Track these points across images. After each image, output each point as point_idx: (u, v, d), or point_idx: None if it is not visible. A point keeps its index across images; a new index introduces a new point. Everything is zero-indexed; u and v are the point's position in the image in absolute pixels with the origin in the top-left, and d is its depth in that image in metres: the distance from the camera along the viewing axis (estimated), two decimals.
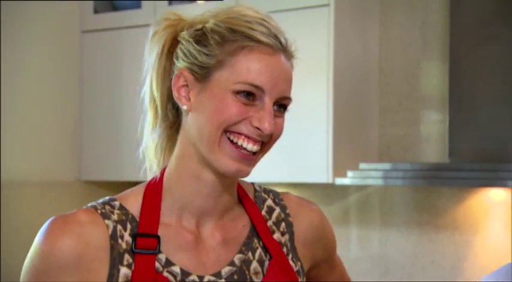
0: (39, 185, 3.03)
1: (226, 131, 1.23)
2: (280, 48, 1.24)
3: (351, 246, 3.04)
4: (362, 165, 2.58)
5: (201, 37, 1.24)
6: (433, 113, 2.88)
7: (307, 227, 1.45)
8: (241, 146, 1.23)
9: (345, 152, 2.74)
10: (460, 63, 2.56)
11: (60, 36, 3.19)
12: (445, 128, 2.70)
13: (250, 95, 1.22)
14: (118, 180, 3.01)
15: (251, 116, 1.23)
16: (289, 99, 1.28)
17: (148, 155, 1.35)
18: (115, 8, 3.27)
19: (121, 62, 3.08)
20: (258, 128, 1.22)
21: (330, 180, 2.66)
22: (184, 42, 1.25)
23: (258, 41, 1.22)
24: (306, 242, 1.44)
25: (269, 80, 1.22)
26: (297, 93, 2.19)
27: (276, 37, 1.23)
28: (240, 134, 1.23)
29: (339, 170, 2.66)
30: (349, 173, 2.58)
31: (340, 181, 2.62)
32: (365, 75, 2.90)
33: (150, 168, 1.35)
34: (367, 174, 2.57)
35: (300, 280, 1.40)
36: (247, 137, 1.23)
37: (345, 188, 2.99)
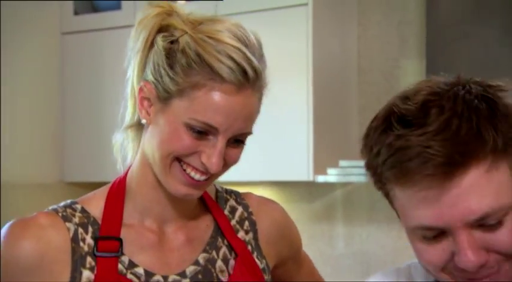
0: (21, 187, 3.02)
1: (176, 158, 1.23)
2: (246, 84, 1.22)
3: (334, 243, 3.05)
4: (342, 163, 2.60)
5: (171, 54, 1.22)
6: None
7: (270, 225, 1.46)
8: (189, 174, 1.23)
9: (325, 150, 2.75)
10: (437, 60, 2.59)
11: (41, 38, 3.19)
12: None
13: (203, 132, 1.21)
14: (101, 181, 3.02)
15: (202, 151, 1.22)
16: (247, 133, 1.28)
17: (115, 151, 1.35)
18: (95, 9, 3.25)
19: (102, 63, 3.08)
20: (205, 166, 1.22)
21: (311, 178, 2.67)
22: (157, 48, 1.24)
23: (222, 79, 1.20)
24: (269, 239, 1.44)
25: (225, 120, 1.21)
26: (276, 92, 2.23)
27: (244, 73, 1.21)
28: (189, 164, 1.23)
29: (319, 167, 2.68)
30: (330, 171, 2.60)
31: (320, 178, 2.64)
32: (344, 73, 2.93)
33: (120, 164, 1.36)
34: (348, 172, 2.60)
35: (265, 277, 1.41)
36: (195, 168, 1.23)
37: (325, 186, 2.99)
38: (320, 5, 2.75)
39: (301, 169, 2.70)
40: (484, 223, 1.04)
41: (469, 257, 1.05)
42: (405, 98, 1.08)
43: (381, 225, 2.92)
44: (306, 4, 2.69)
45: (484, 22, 2.51)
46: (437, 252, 1.09)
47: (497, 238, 1.06)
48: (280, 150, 2.76)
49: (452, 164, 1.01)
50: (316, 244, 3.05)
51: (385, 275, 1.33)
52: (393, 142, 1.04)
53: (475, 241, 1.05)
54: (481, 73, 2.42)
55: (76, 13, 3.21)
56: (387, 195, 1.12)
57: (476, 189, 1.04)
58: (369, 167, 1.10)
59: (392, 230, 2.86)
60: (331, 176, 2.62)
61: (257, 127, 2.66)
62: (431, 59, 2.61)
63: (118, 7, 3.10)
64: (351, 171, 2.59)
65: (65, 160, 3.23)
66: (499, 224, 1.05)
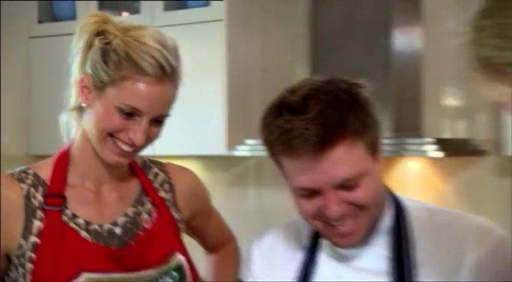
0: None
1: (109, 134, 1.26)
2: (163, 77, 1.25)
3: (244, 203, 3.12)
4: (248, 141, 2.63)
5: (105, 53, 1.24)
6: None
7: (185, 187, 1.49)
8: (120, 146, 1.27)
9: (235, 131, 2.78)
10: (319, 65, 2.60)
11: (7, 42, 3.09)
12: None
13: (130, 114, 1.24)
14: None
15: (129, 129, 1.25)
16: (166, 115, 1.30)
17: (61, 129, 1.36)
18: (55, 19, 3.19)
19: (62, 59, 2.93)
20: (132, 140, 1.25)
21: (225, 152, 2.74)
22: (95, 48, 1.25)
23: (145, 73, 1.22)
24: (185, 198, 1.47)
25: (147, 105, 1.24)
26: (199, 88, 2.41)
27: (162, 68, 1.24)
28: (119, 139, 1.26)
29: (231, 144, 2.73)
30: (239, 147, 2.65)
31: (231, 153, 2.69)
32: (250, 73, 2.96)
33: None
34: (253, 148, 2.61)
35: (180, 226, 1.44)
36: (124, 142, 1.27)
37: (236, 158, 3.00)
38: (232, 21, 2.79)
39: (217, 145, 2.76)
40: (345, 184, 1.09)
41: (334, 209, 1.10)
42: (292, 91, 1.11)
43: (280, 188, 2.92)
44: (221, 20, 2.75)
45: (352, 36, 2.51)
46: (311, 205, 1.13)
47: (354, 195, 1.11)
48: (201, 131, 2.80)
49: (324, 143, 1.06)
50: (231, 204, 3.06)
51: (277, 230, 1.36)
52: (282, 125, 1.08)
53: (338, 197, 1.10)
54: (350, 74, 2.42)
55: (40, 22, 3.16)
56: (278, 164, 1.16)
57: (341, 161, 1.08)
58: (265, 143, 1.15)
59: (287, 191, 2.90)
60: (240, 151, 2.65)
61: (184, 113, 2.79)
62: (315, 64, 2.61)
63: (74, 17, 3.04)
64: (255, 147, 2.58)
65: (30, 135, 3.19)
66: (356, 185, 1.10)
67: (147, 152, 1.36)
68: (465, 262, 1.14)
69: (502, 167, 2.48)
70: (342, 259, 1.22)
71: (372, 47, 2.47)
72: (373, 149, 1.13)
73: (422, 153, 2.31)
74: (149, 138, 1.28)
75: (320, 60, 2.59)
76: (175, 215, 1.43)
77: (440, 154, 2.26)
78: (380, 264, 1.17)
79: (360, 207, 1.12)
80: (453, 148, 2.42)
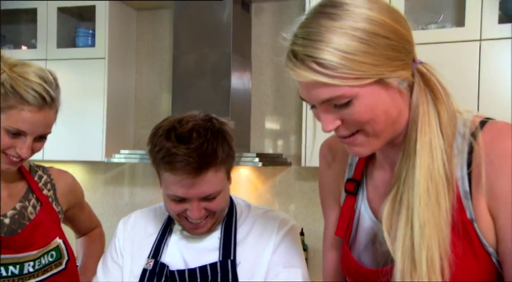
0: None
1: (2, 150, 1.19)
2: (45, 105, 1.18)
3: (118, 198, 3.02)
4: (122, 151, 2.63)
5: None
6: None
7: (64, 186, 1.44)
8: (10, 157, 1.20)
9: (112, 142, 2.76)
10: (179, 97, 2.58)
11: None
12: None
13: (16, 133, 1.18)
14: None
15: (15, 146, 1.20)
16: (47, 133, 1.23)
17: None
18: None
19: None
20: (18, 154, 1.20)
21: (104, 159, 2.69)
22: None
23: (28, 103, 1.16)
24: (63, 194, 1.43)
25: (30, 127, 1.18)
26: (84, 108, 2.34)
27: (43, 98, 1.17)
28: (8, 153, 1.20)
29: (108, 152, 2.73)
30: (115, 155, 2.61)
31: (109, 160, 2.64)
32: (126, 99, 2.95)
33: None
34: (126, 156, 2.59)
35: (60, 216, 1.39)
36: (13, 155, 1.20)
37: (112, 164, 3.02)
38: (112, 59, 2.79)
39: (97, 153, 2.72)
40: (207, 198, 1.13)
41: (196, 214, 1.13)
42: (180, 123, 1.12)
43: (147, 188, 2.96)
44: (104, 58, 2.74)
45: (203, 78, 2.56)
46: (179, 207, 1.15)
47: (211, 205, 1.15)
48: (85, 141, 2.73)
49: (201, 168, 1.08)
50: (108, 199, 3.03)
51: (141, 212, 1.36)
52: (170, 148, 1.08)
53: (200, 206, 1.13)
54: (202, 106, 2.27)
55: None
56: (158, 174, 1.15)
57: (209, 182, 1.11)
58: (152, 156, 1.13)
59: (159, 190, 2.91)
60: (116, 158, 2.60)
61: (72, 127, 2.64)
62: (175, 96, 2.62)
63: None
64: (129, 156, 2.58)
65: None
66: (214, 198, 1.15)
67: (38, 156, 1.31)
68: (271, 241, 1.21)
69: (300, 174, 2.71)
70: (188, 241, 1.25)
71: (217, 87, 2.54)
72: (229, 171, 1.17)
73: (250, 164, 2.36)
74: (33, 151, 1.22)
75: (179, 94, 2.62)
76: (56, 208, 1.38)
77: (260, 164, 2.34)
78: (214, 243, 1.22)
79: (213, 212, 1.17)
80: (269, 160, 2.53)
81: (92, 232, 1.65)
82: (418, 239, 0.78)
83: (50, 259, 1.32)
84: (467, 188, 0.80)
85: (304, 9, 2.37)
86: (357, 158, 0.97)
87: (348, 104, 0.78)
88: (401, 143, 0.85)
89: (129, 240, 1.31)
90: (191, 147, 1.08)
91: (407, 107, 0.84)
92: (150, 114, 3.02)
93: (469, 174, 0.80)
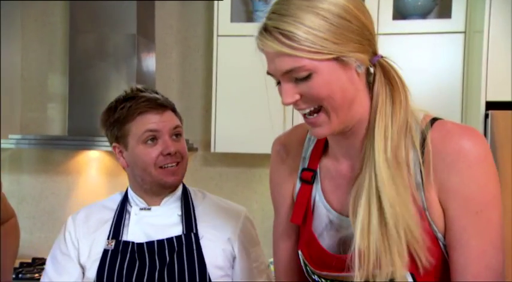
0: None
1: None
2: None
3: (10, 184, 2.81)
4: (11, 136, 2.52)
5: None
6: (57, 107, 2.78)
7: None
8: None
9: (1, 127, 2.50)
10: (76, 78, 2.55)
11: None
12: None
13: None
14: None
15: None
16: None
17: None
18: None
19: None
20: None
21: None
22: None
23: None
24: None
25: None
26: None
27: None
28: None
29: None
30: (3, 140, 2.50)
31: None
32: (11, 81, 2.75)
33: None
34: (17, 141, 2.50)
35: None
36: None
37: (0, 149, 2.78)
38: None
39: None
40: (176, 132, 1.33)
41: (169, 146, 1.31)
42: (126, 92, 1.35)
43: (33, 173, 2.84)
44: None
45: (104, 59, 2.52)
46: (155, 151, 1.31)
47: (180, 144, 1.34)
48: None
49: (163, 106, 1.32)
50: None
51: (88, 207, 1.41)
52: (135, 98, 1.32)
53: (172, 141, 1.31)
54: (101, 87, 2.39)
55: None
56: (123, 136, 1.32)
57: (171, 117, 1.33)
58: (115, 120, 1.31)
59: (40, 177, 2.81)
60: (4, 143, 2.49)
61: None
62: (72, 77, 2.55)
63: None
64: (19, 141, 2.49)
65: None
66: (180, 135, 1.35)
67: None
68: (233, 224, 1.37)
69: (207, 159, 2.73)
70: (148, 219, 1.34)
71: (120, 69, 2.51)
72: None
73: None
74: None
75: (76, 75, 2.55)
76: None
77: None
78: (174, 220, 1.35)
79: (181, 157, 1.34)
80: None
81: (6, 223, 1.63)
82: (379, 215, 0.85)
83: None
84: (420, 180, 0.88)
85: None
86: (310, 152, 1.04)
87: (307, 78, 0.85)
88: (356, 134, 0.93)
89: (82, 231, 1.35)
90: (150, 94, 1.33)
91: (367, 94, 0.91)
92: (39, 95, 2.85)
93: (420, 169, 0.88)
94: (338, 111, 0.87)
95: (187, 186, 1.44)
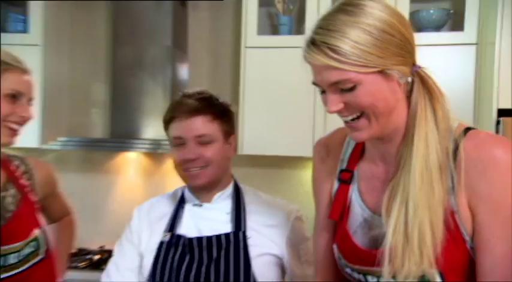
0: None
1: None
2: None
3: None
4: (59, 138, 2.58)
5: None
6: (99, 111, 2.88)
7: (43, 175, 1.47)
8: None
9: (48, 130, 2.68)
10: (118, 85, 2.63)
11: None
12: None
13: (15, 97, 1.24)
14: None
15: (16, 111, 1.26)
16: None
17: None
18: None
19: None
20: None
21: (39, 146, 2.60)
22: None
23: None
24: (41, 183, 1.45)
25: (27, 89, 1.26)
26: None
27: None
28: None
29: (44, 140, 2.63)
30: (51, 142, 2.57)
31: (45, 146, 2.58)
32: (60, 88, 2.82)
33: None
34: (64, 143, 2.55)
35: (37, 206, 1.41)
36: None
37: (48, 151, 2.86)
38: (48, 46, 2.67)
39: (33, 140, 2.58)
40: (201, 141, 1.30)
41: (190, 153, 1.29)
42: (184, 96, 1.35)
43: (79, 172, 2.94)
44: (38, 45, 2.59)
45: (143, 69, 2.54)
46: (180, 154, 1.31)
47: (206, 151, 1.30)
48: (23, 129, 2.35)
49: (195, 111, 1.29)
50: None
51: (156, 198, 1.45)
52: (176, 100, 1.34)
53: (196, 148, 1.29)
54: (142, 94, 2.42)
55: None
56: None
57: (202, 125, 1.30)
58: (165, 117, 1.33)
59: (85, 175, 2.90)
60: (53, 145, 2.56)
61: None
62: (114, 84, 2.64)
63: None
64: (67, 143, 2.54)
65: None
66: (209, 143, 1.31)
67: None
68: (283, 226, 1.34)
69: (233, 160, 2.78)
70: (200, 212, 1.36)
71: (157, 78, 2.57)
72: (226, 130, 1.36)
73: None
74: None
75: (117, 83, 2.64)
76: (33, 198, 1.40)
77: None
78: (223, 217, 1.35)
79: (207, 161, 1.32)
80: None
81: (64, 219, 1.68)
82: (412, 216, 0.88)
83: (31, 250, 1.33)
84: (451, 185, 0.91)
85: (241, 6, 2.49)
86: (349, 154, 1.07)
87: (352, 88, 0.88)
88: (393, 140, 0.96)
89: (146, 222, 1.39)
90: (194, 96, 1.33)
91: (405, 102, 0.94)
92: (84, 102, 2.98)
93: (452, 174, 0.90)
94: (379, 118, 0.90)
95: (240, 184, 1.44)
